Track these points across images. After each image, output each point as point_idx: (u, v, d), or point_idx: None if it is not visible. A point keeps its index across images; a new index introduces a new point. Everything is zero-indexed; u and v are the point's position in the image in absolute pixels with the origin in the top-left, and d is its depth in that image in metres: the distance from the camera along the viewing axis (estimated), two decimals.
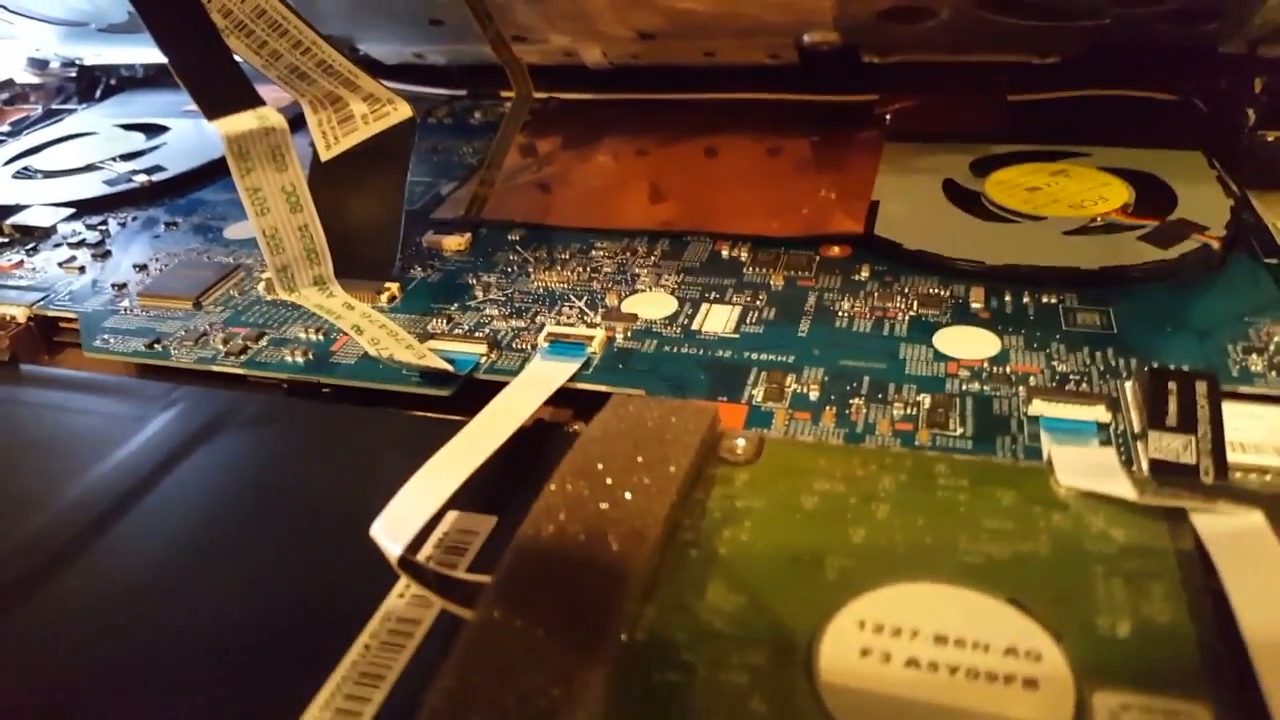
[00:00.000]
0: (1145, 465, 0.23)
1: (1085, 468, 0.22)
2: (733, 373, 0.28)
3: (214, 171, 0.45)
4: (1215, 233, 0.32)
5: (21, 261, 0.38)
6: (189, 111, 0.52)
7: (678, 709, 0.17)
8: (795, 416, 0.26)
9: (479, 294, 0.33)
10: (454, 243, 0.36)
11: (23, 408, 0.29)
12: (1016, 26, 0.38)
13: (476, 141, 0.48)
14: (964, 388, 0.26)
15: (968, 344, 0.28)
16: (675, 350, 0.29)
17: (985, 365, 0.27)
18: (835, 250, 0.34)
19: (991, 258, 0.31)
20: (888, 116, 0.45)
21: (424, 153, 0.46)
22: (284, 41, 0.30)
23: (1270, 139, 0.39)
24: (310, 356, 0.30)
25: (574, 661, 0.16)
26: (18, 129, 0.54)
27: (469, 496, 0.22)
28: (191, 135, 0.50)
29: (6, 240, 0.40)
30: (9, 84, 0.60)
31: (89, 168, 0.47)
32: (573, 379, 0.28)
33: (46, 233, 0.41)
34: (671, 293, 0.32)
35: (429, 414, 0.27)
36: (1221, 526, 0.20)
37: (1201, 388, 0.24)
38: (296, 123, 0.33)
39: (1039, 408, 0.25)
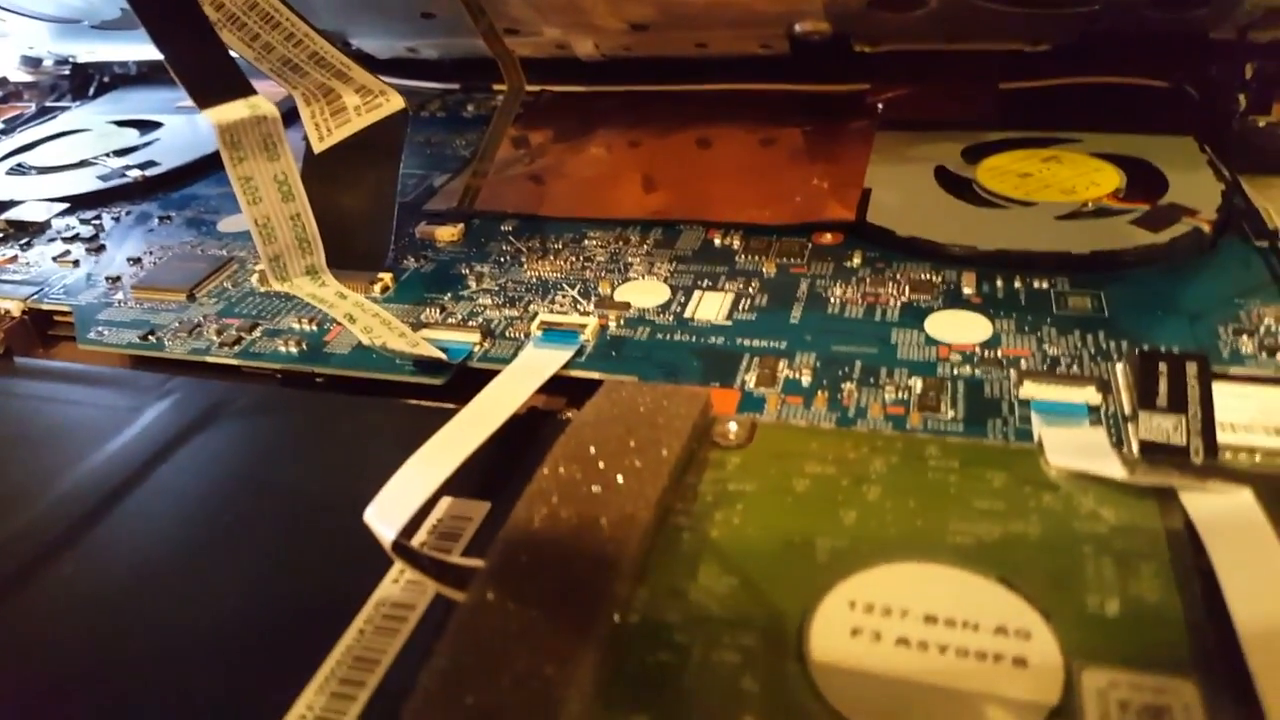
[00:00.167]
0: (1136, 446, 0.23)
1: (1075, 448, 0.22)
2: (725, 359, 0.28)
3: (207, 166, 0.45)
4: (1206, 216, 0.32)
5: (15, 256, 0.38)
6: (182, 107, 0.52)
7: (670, 689, 0.17)
8: (787, 401, 0.26)
9: (472, 284, 0.33)
10: (447, 233, 0.36)
11: (18, 400, 0.29)
12: (1007, 14, 0.38)
13: (469, 134, 0.48)
14: (955, 372, 0.26)
15: (959, 328, 0.28)
16: (668, 338, 0.29)
17: (977, 349, 0.27)
18: (827, 237, 0.34)
19: (983, 243, 0.32)
20: (879, 105, 0.45)
21: (417, 145, 0.47)
22: (276, 34, 0.30)
23: (1261, 124, 0.39)
24: (304, 346, 0.30)
25: (567, 642, 0.17)
26: (11, 126, 0.54)
27: (462, 483, 0.22)
28: (184, 131, 0.50)
29: (1, 235, 0.40)
30: (2, 82, 0.60)
31: (83, 163, 0.47)
32: (566, 367, 0.28)
33: (40, 227, 0.41)
34: (664, 281, 0.32)
35: (422, 402, 0.28)
36: (1211, 505, 0.20)
37: (1192, 369, 0.24)
38: (290, 115, 0.33)
39: (1030, 390, 0.25)
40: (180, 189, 0.44)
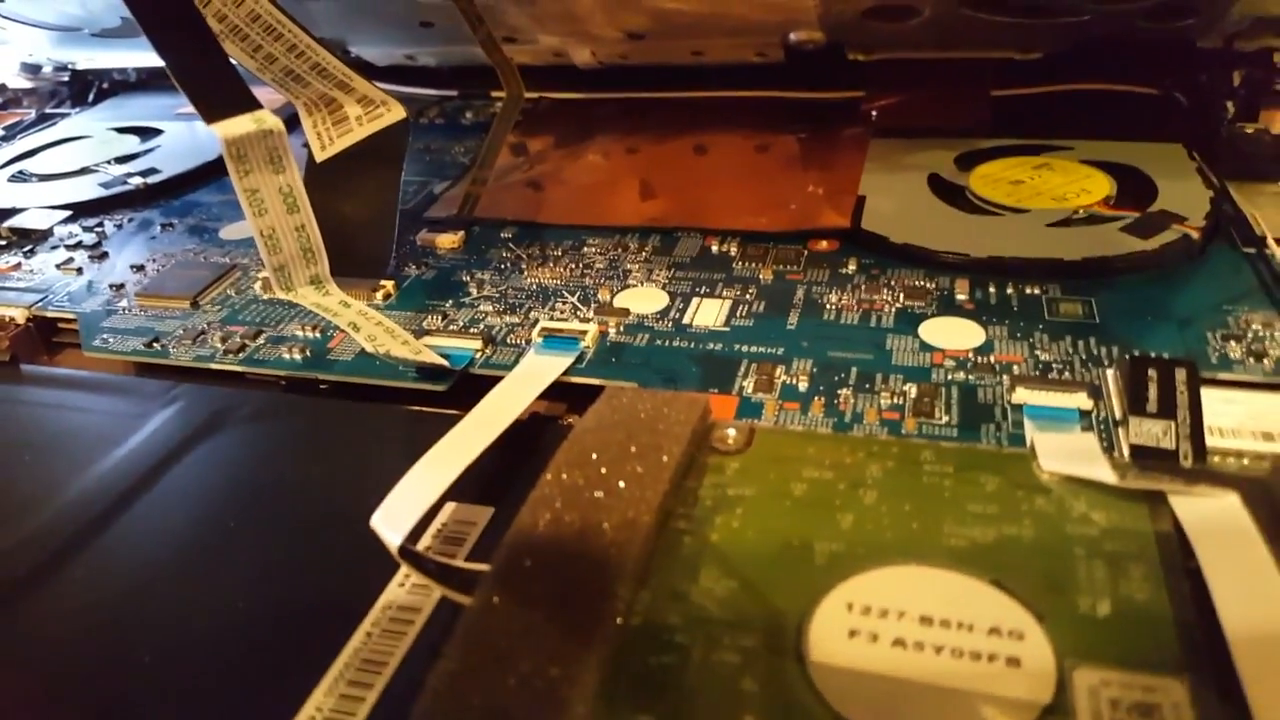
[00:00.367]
0: (1126, 450, 0.23)
1: (1067, 453, 0.22)
2: (723, 365, 0.28)
3: (208, 173, 0.46)
4: (1195, 223, 0.32)
5: (19, 264, 0.39)
6: (182, 114, 0.53)
7: (672, 689, 0.17)
8: (785, 407, 0.26)
9: (473, 291, 0.34)
10: (447, 241, 0.37)
11: (23, 407, 0.30)
12: (999, 23, 0.38)
13: (468, 141, 0.48)
14: (949, 377, 0.27)
15: (953, 335, 0.29)
16: (667, 344, 0.30)
17: (970, 355, 0.28)
18: (823, 244, 0.34)
19: (976, 250, 0.32)
20: (873, 113, 0.45)
21: (416, 153, 0.47)
22: (278, 45, 0.30)
23: (1249, 130, 0.39)
24: (308, 353, 0.30)
25: (571, 644, 0.17)
26: (11, 133, 0.54)
27: (466, 488, 0.23)
28: (185, 137, 0.50)
29: (4, 243, 0.41)
30: (1, 89, 0.61)
31: (84, 171, 0.47)
32: (566, 373, 0.28)
33: (43, 235, 0.41)
34: (663, 288, 0.33)
35: (425, 409, 0.28)
36: (1199, 509, 0.20)
37: (1181, 375, 0.25)
38: (291, 123, 0.33)
39: (1022, 396, 0.25)
40: (182, 196, 0.45)
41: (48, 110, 0.58)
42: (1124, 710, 0.16)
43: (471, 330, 0.31)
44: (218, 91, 0.27)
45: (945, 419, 0.25)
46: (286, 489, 0.25)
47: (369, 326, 0.29)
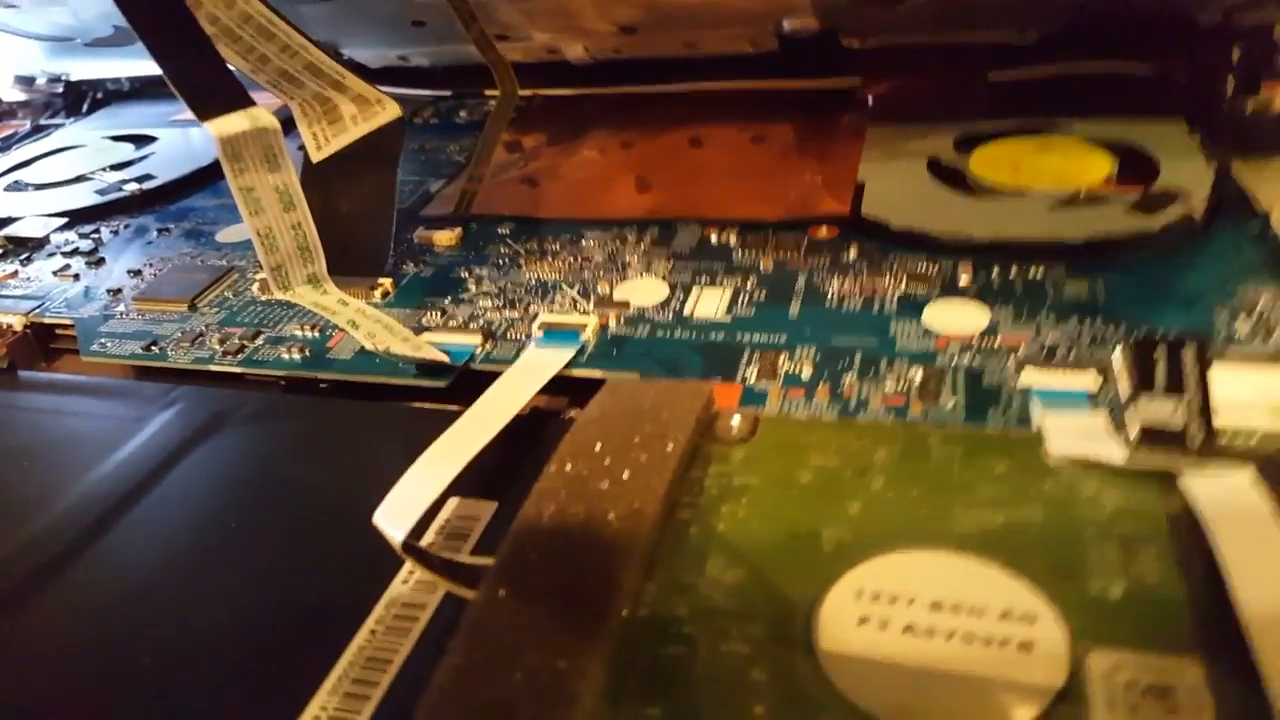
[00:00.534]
0: (1135, 431, 0.23)
1: (1075, 434, 0.22)
2: (726, 355, 0.28)
3: (203, 178, 0.45)
4: (1198, 200, 0.32)
5: (16, 271, 0.39)
6: (176, 121, 0.52)
7: (681, 681, 0.17)
8: (789, 395, 0.26)
9: (471, 287, 0.33)
10: (445, 238, 0.37)
11: (23, 413, 0.29)
12: (994, 4, 0.38)
13: (463, 140, 0.48)
14: (954, 361, 0.26)
15: (957, 318, 0.28)
16: (668, 335, 0.29)
17: (975, 339, 0.27)
18: (823, 232, 0.34)
19: (978, 233, 0.32)
20: (870, 99, 0.45)
21: (411, 152, 0.47)
22: (271, 46, 0.30)
23: (1250, 106, 0.39)
24: (307, 353, 0.30)
25: (578, 637, 0.17)
26: (7, 144, 0.54)
27: (469, 483, 0.23)
28: (180, 144, 0.50)
29: (0, 252, 0.40)
30: None
31: (79, 178, 0.47)
32: (567, 366, 0.28)
33: (40, 243, 0.41)
34: (662, 279, 0.32)
35: (426, 405, 0.28)
36: (1211, 487, 0.20)
37: (1188, 353, 0.24)
38: (287, 127, 0.33)
39: (1029, 378, 0.25)
40: (177, 201, 0.44)
41: (42, 121, 0.58)
42: (1139, 692, 0.16)
43: (471, 326, 0.31)
44: (211, 91, 0.27)
45: (951, 403, 0.25)
46: (287, 489, 0.25)
47: (368, 324, 0.29)
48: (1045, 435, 0.22)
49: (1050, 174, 0.35)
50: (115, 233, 0.42)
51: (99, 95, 0.60)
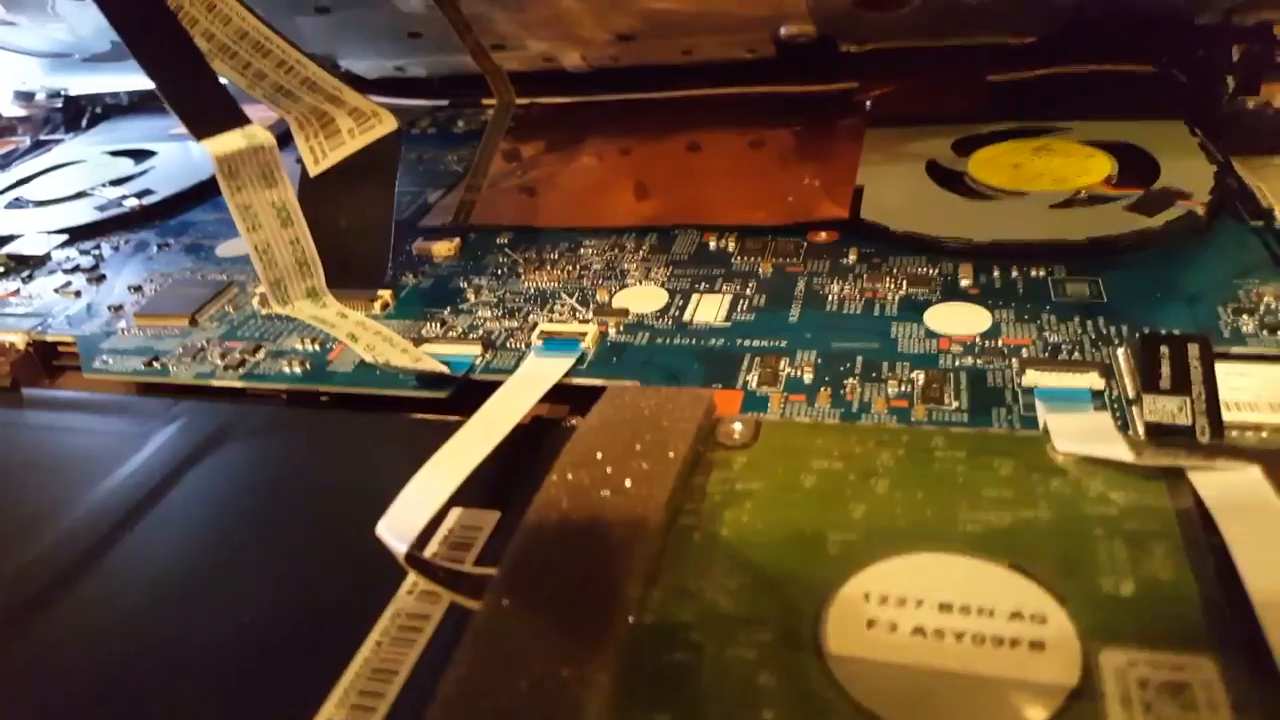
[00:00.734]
0: (1141, 429, 0.23)
1: (1081, 433, 0.22)
2: (726, 361, 0.28)
3: (202, 192, 0.46)
4: (1200, 199, 0.32)
5: (18, 290, 0.39)
6: (175, 135, 0.53)
7: (688, 688, 0.17)
8: (790, 400, 0.26)
9: (471, 297, 0.33)
10: (443, 248, 0.37)
11: (27, 431, 0.29)
12: (992, 7, 0.38)
13: (461, 150, 0.48)
14: (957, 362, 0.26)
15: (959, 320, 0.28)
16: (668, 342, 0.29)
17: (977, 340, 0.27)
18: (822, 235, 0.34)
19: (978, 235, 0.32)
20: (868, 103, 0.45)
21: (409, 162, 0.47)
22: (267, 62, 0.30)
23: (1250, 105, 0.39)
24: (308, 366, 0.30)
25: (583, 645, 0.17)
26: (7, 161, 0.54)
27: (472, 493, 0.22)
28: (179, 158, 0.50)
29: (2, 270, 0.40)
30: None
31: (80, 194, 0.47)
32: (568, 375, 0.28)
33: (41, 260, 0.41)
34: (661, 286, 0.32)
35: (427, 416, 0.28)
36: (1220, 483, 0.20)
37: (1194, 350, 0.24)
38: (284, 140, 0.33)
39: (1033, 378, 0.25)
40: (177, 216, 0.44)
41: (42, 137, 0.58)
42: (1153, 690, 0.16)
43: (471, 336, 0.31)
44: (207, 109, 0.27)
45: (955, 405, 0.25)
46: (291, 502, 0.25)
47: (367, 336, 0.29)
48: (1051, 434, 0.22)
49: (1050, 175, 0.35)
50: (116, 248, 0.42)
51: (98, 110, 0.60)
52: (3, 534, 0.25)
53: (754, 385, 0.27)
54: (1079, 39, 0.41)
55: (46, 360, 0.35)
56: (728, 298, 0.31)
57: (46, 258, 0.41)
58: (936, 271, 0.31)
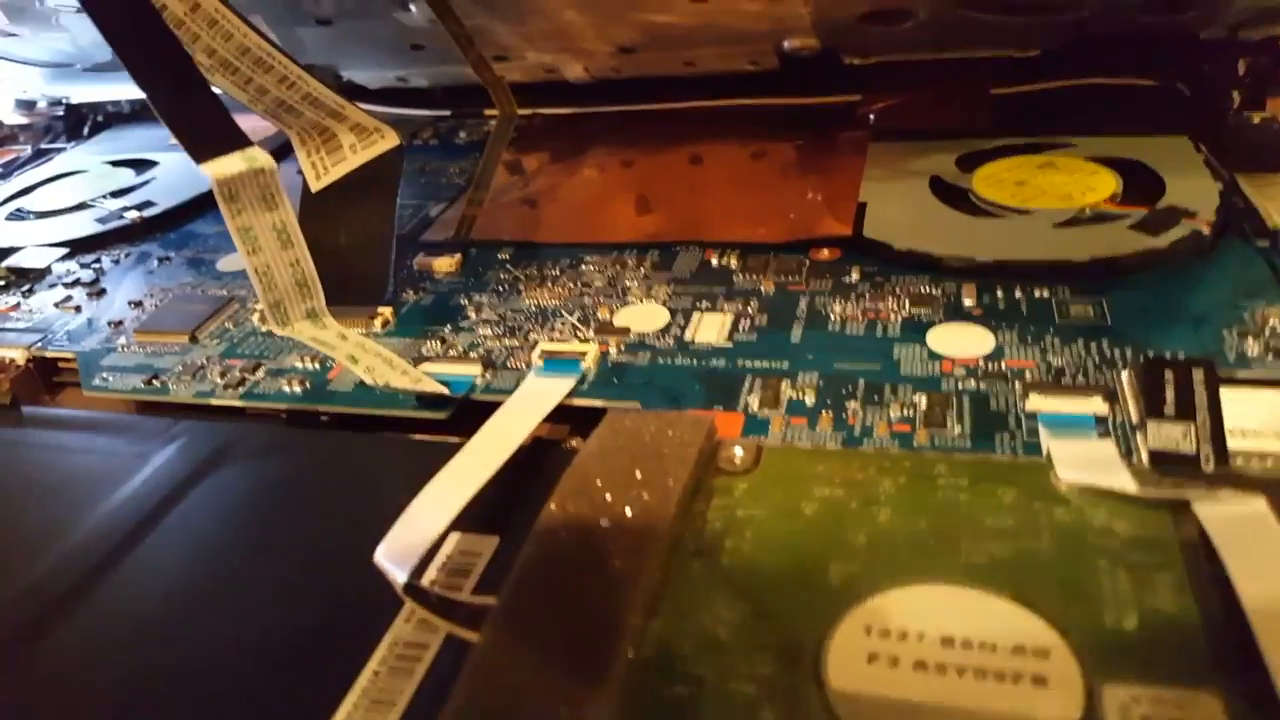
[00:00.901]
0: (1145, 456, 0.23)
1: (1085, 462, 0.22)
2: (728, 382, 0.28)
3: (204, 204, 0.45)
4: (1205, 217, 0.32)
5: (18, 304, 0.39)
6: (176, 145, 0.52)
7: None
8: (792, 423, 0.26)
9: (471, 314, 0.33)
10: (444, 264, 0.37)
11: (26, 449, 0.29)
12: (996, 22, 0.38)
13: (463, 161, 0.48)
14: (960, 386, 0.26)
15: (962, 342, 0.28)
16: (669, 362, 0.29)
17: (980, 362, 0.27)
18: (824, 253, 0.34)
19: (981, 254, 0.32)
20: (871, 116, 0.45)
21: (411, 174, 0.47)
22: (269, 77, 0.30)
23: (1255, 120, 0.39)
24: (307, 385, 0.30)
25: (582, 680, 0.16)
26: (8, 171, 0.54)
27: (470, 517, 0.22)
28: (180, 168, 0.50)
29: (2, 283, 0.40)
30: None
31: (80, 206, 0.47)
32: (569, 395, 0.28)
33: (41, 273, 0.41)
34: (663, 304, 0.32)
35: (427, 437, 0.28)
36: (1224, 514, 0.20)
37: (1198, 375, 0.24)
38: (285, 150, 0.33)
39: (1036, 403, 0.25)
40: (178, 228, 0.44)
41: (43, 145, 0.58)
42: None
43: (471, 355, 0.30)
44: (207, 132, 0.27)
45: (958, 429, 0.25)
46: (289, 525, 0.25)
47: (367, 358, 0.29)
48: (1054, 462, 0.22)
49: (1054, 193, 0.35)
50: (116, 261, 0.42)
51: (100, 118, 0.60)
52: (3, 556, 0.25)
53: (755, 407, 0.26)
54: (1083, 53, 0.41)
55: (46, 376, 0.34)
56: (729, 317, 0.31)
57: (47, 271, 0.41)
58: (939, 291, 0.31)
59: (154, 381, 0.31)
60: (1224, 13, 0.37)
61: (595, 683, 0.16)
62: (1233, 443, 0.23)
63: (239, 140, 0.27)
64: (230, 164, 0.26)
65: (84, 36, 0.48)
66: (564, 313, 0.32)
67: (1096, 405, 0.24)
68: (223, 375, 0.31)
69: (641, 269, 0.35)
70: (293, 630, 0.21)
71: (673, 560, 0.20)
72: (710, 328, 0.30)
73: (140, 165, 0.51)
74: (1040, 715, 0.16)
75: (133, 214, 0.45)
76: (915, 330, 0.29)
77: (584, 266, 0.36)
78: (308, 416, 0.29)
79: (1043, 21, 0.38)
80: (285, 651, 0.21)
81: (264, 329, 0.33)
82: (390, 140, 0.34)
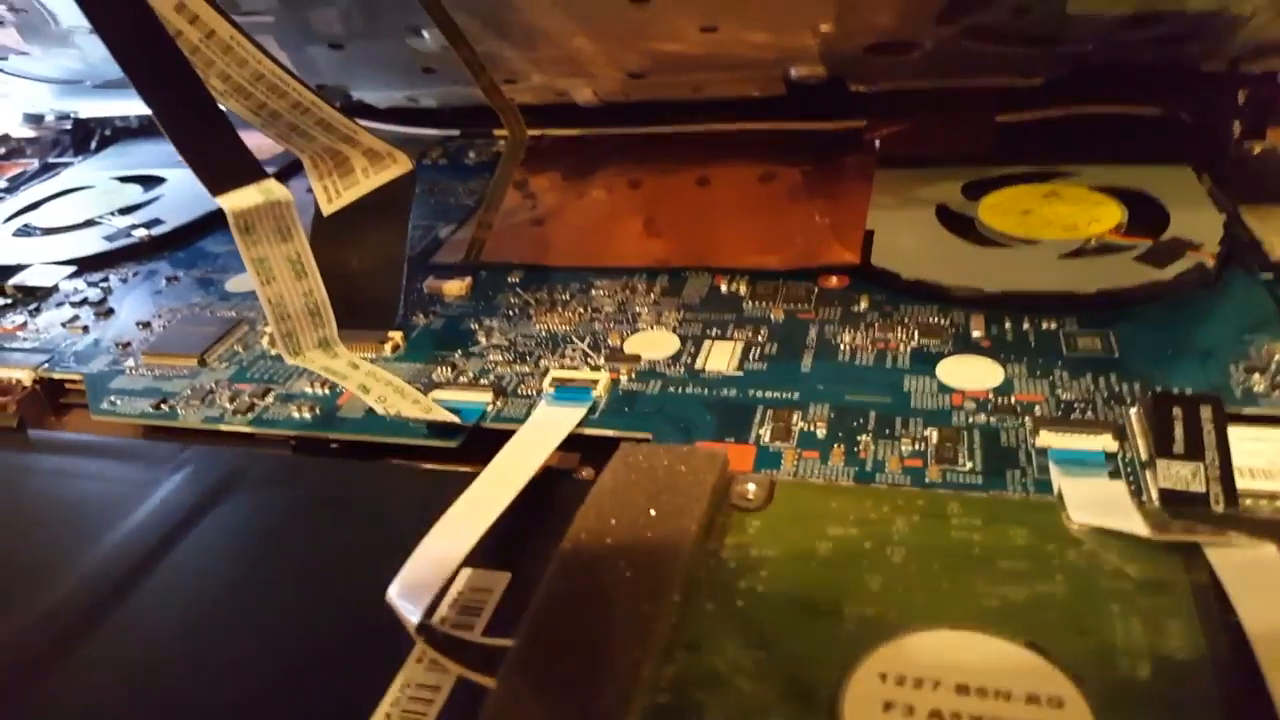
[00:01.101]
0: (1155, 495, 0.23)
1: (1096, 503, 0.22)
2: (739, 412, 0.28)
3: (213, 222, 0.45)
4: (1209, 250, 0.32)
5: (25, 323, 0.38)
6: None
7: None
8: (804, 456, 0.26)
9: (482, 339, 0.33)
10: (455, 288, 0.37)
11: (34, 475, 0.29)
12: (1000, 53, 0.38)
13: (472, 182, 0.48)
14: (970, 420, 0.26)
15: (971, 374, 0.28)
16: (680, 390, 0.29)
17: (990, 396, 0.27)
18: (833, 280, 0.34)
19: (989, 284, 0.32)
20: (877, 142, 0.45)
21: (421, 194, 0.46)
22: (283, 102, 0.30)
23: (1257, 150, 0.39)
24: (317, 412, 0.30)
25: None
26: (15, 185, 0.54)
27: (480, 551, 0.22)
28: (188, 185, 0.49)
29: (9, 301, 0.40)
30: (4, 139, 0.61)
31: (88, 223, 0.47)
32: (580, 424, 0.28)
33: (48, 292, 0.41)
34: (673, 330, 0.32)
35: (438, 466, 0.28)
36: (1236, 559, 0.20)
37: (1206, 412, 0.24)
38: (293, 169, 0.33)
39: (1046, 439, 0.25)
40: (187, 246, 0.44)
41: (51, 159, 0.58)
42: None
43: (482, 382, 0.31)
44: (224, 165, 0.27)
45: (969, 465, 0.25)
46: (299, 557, 0.25)
47: (379, 387, 0.29)
48: (1066, 503, 0.22)
49: (1060, 223, 0.35)
50: (124, 280, 0.42)
51: (107, 133, 0.60)
52: (10, 585, 0.24)
53: (767, 440, 0.26)
54: (1086, 81, 0.41)
55: (53, 398, 0.34)
56: (739, 345, 0.31)
57: (54, 289, 0.41)
58: (948, 321, 0.31)
59: (162, 406, 0.31)
60: (1226, 46, 0.37)
61: None
62: (1242, 483, 0.23)
63: (256, 172, 0.27)
64: (247, 196, 0.27)
65: (94, 54, 0.49)
66: (574, 338, 0.32)
67: (1106, 442, 0.24)
68: (232, 400, 0.31)
69: (651, 294, 0.35)
70: (303, 669, 0.21)
71: (687, 602, 0.20)
72: (720, 356, 0.31)
73: (148, 181, 0.51)
74: None
75: (141, 232, 0.45)
76: (924, 362, 0.29)
77: (594, 291, 0.36)
78: (317, 444, 0.29)
79: (1044, 53, 0.38)
80: (293, 697, 0.20)
81: (273, 352, 0.33)
82: (403, 165, 0.34)
